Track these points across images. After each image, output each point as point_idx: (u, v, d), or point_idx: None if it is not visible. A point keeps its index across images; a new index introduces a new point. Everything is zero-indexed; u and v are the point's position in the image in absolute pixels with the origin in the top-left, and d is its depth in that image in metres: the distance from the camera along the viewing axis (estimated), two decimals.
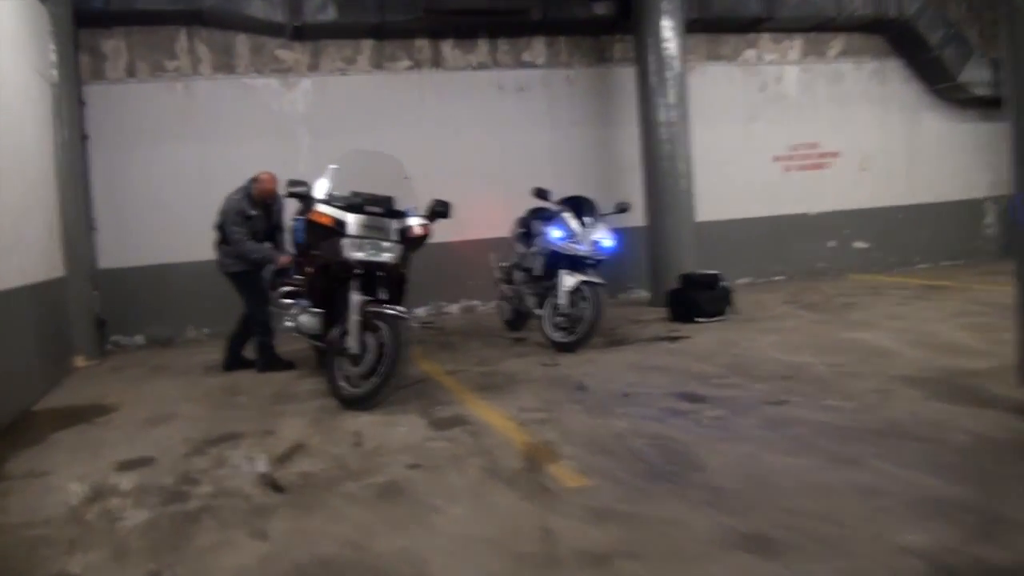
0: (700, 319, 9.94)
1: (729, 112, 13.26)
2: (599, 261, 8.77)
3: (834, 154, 14.01)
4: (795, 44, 13.79)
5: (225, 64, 11.49)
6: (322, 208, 6.69)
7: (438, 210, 7.10)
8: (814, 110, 13.92)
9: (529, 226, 9.71)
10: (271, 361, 8.43)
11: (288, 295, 7.86)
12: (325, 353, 7.02)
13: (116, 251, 10.99)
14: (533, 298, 9.17)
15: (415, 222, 6.86)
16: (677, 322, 10.06)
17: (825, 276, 13.75)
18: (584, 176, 11.93)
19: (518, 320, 9.99)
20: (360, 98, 11.81)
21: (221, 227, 8.31)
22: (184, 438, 5.97)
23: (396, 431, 5.81)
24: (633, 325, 9.96)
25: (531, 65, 12.58)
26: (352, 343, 6.46)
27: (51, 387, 8.32)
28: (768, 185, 13.62)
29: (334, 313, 6.94)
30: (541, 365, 7.92)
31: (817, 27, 13.68)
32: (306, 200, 6.80)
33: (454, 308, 12.27)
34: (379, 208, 6.75)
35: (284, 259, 8.21)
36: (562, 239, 8.64)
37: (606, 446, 5.13)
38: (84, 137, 10.71)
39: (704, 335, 9.09)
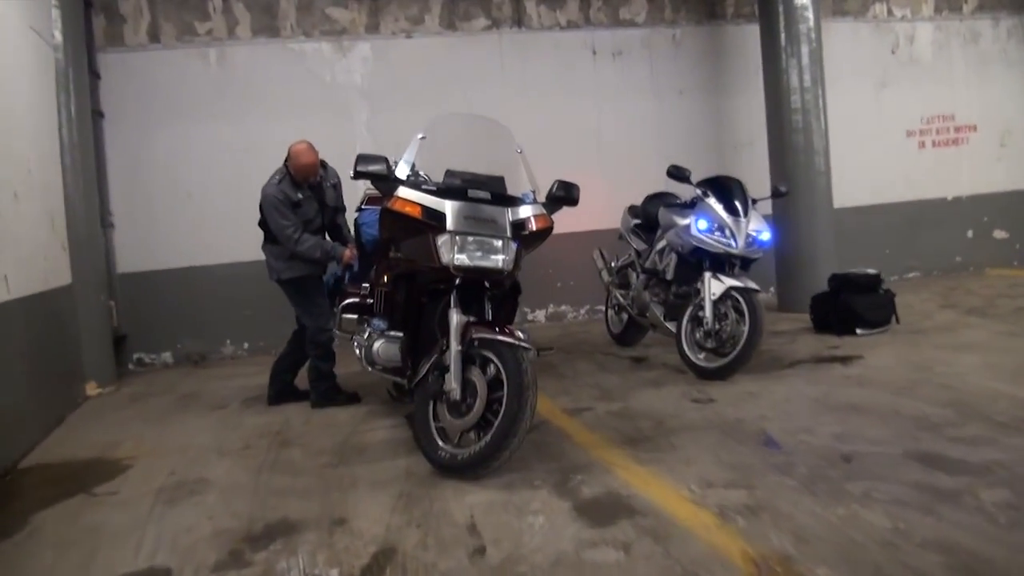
0: (861, 331, 7.94)
1: (857, 78, 11.31)
2: (752, 260, 6.81)
3: (972, 127, 12.08)
4: None
5: (267, 26, 9.74)
6: (407, 194, 4.75)
7: (560, 195, 5.15)
8: (949, 75, 11.99)
9: (647, 216, 7.76)
10: (330, 393, 6.56)
11: (351, 309, 5.97)
12: (409, 393, 5.12)
13: (138, 252, 9.28)
14: (659, 307, 7.24)
15: (534, 211, 4.93)
16: (828, 334, 8.16)
17: (964, 272, 11.77)
18: (694, 153, 9.98)
19: (631, 333, 8.12)
20: (428, 65, 10.01)
21: (264, 223, 6.45)
22: (215, 531, 4.07)
23: (530, 524, 3.85)
24: (775, 338, 7.98)
25: (630, 24, 10.70)
26: (452, 384, 4.55)
27: (51, 426, 6.52)
28: (901, 164, 11.70)
29: (421, 339, 5.09)
30: (690, 401, 5.97)
31: None
32: (383, 182, 4.85)
33: (540, 315, 10.45)
34: (486, 193, 4.80)
35: (349, 253, 6.40)
36: (707, 231, 6.66)
37: (881, 569, 3.16)
38: (98, 114, 9.10)
39: (879, 353, 7.14)
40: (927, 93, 11.79)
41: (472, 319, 4.69)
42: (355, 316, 5.98)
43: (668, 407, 5.81)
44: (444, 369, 4.61)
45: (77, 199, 7.87)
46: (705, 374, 6.54)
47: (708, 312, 6.51)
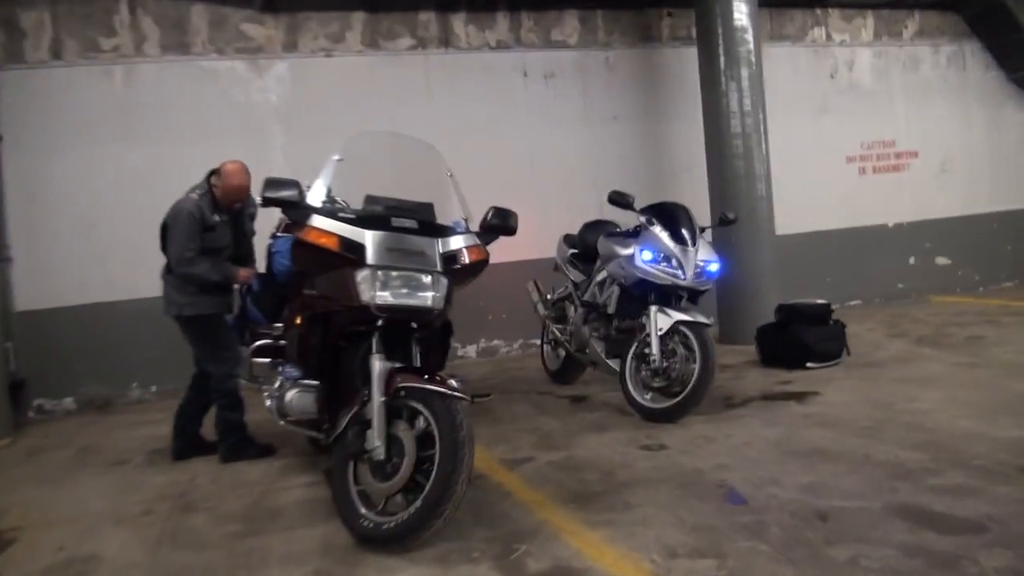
0: (812, 364, 7.51)
1: (796, 103, 10.99)
2: (701, 293, 6.34)
3: (913, 153, 11.89)
4: (867, 22, 11.60)
5: (177, 43, 9.04)
6: (322, 223, 4.18)
7: (495, 223, 4.61)
8: (889, 101, 11.79)
9: (584, 245, 7.27)
10: (241, 446, 5.91)
11: (263, 352, 5.35)
12: (327, 449, 4.52)
13: (37, 288, 8.49)
14: (600, 343, 6.72)
15: (467, 242, 4.40)
16: (777, 367, 7.73)
17: (906, 299, 11.52)
18: (632, 180, 9.38)
19: (569, 370, 7.61)
20: (349, 86, 9.39)
21: (166, 246, 5.80)
22: None
23: None
24: (722, 373, 7.46)
25: (562, 45, 10.24)
26: (375, 442, 3.96)
27: None
28: (842, 191, 11.40)
29: (340, 387, 4.50)
30: (639, 448, 5.44)
31: (890, 2, 11.56)
32: (295, 210, 4.27)
33: (470, 351, 9.85)
34: (412, 222, 4.24)
35: (245, 273, 5.78)
36: (652, 262, 6.17)
37: None
38: None
39: (835, 389, 6.72)
40: (867, 119, 11.55)
41: (397, 365, 4.12)
42: (268, 360, 5.36)
43: (616, 455, 5.27)
44: (365, 424, 4.02)
45: None
46: (653, 416, 6.03)
47: (655, 349, 6.01)
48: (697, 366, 5.86)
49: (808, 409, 6.13)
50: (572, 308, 7.25)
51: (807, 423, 5.73)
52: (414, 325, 4.27)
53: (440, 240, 4.27)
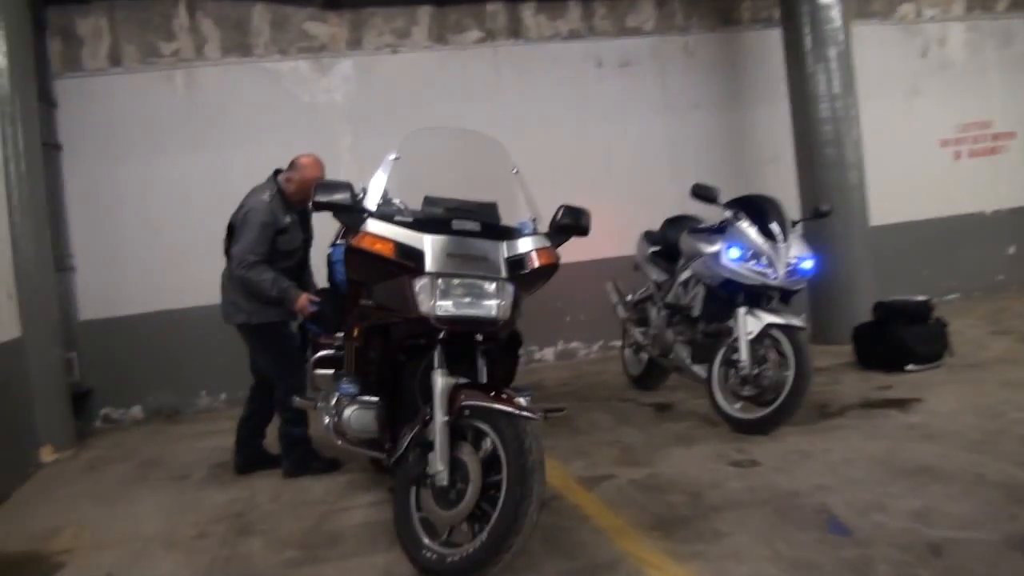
0: (912, 367, 7.00)
1: (886, 85, 10.31)
2: (794, 292, 5.87)
3: (1010, 135, 11.09)
4: None
5: (239, 44, 8.83)
6: (377, 227, 3.85)
7: (566, 223, 4.22)
8: (983, 79, 11.01)
9: (666, 242, 6.85)
10: (305, 461, 5.62)
11: (325, 363, 5.03)
12: (389, 471, 4.19)
13: (102, 296, 8.38)
14: (685, 348, 6.30)
15: (535, 244, 4.02)
16: (875, 370, 7.21)
17: (1007, 292, 10.78)
18: (712, 173, 8.63)
19: (652, 376, 7.20)
20: (416, 83, 9.08)
21: (230, 248, 5.55)
22: None
23: None
24: (816, 377, 6.84)
25: (637, 32, 9.79)
26: (438, 466, 3.60)
27: None
28: (936, 177, 10.69)
29: (401, 405, 4.16)
30: (729, 464, 5.01)
31: None
32: (348, 214, 3.94)
33: (548, 354, 9.48)
34: (475, 224, 3.88)
35: (304, 299, 5.39)
36: (740, 260, 5.72)
37: None
38: (54, 146, 8.22)
39: (939, 395, 6.19)
40: (961, 99, 10.84)
41: (462, 381, 3.76)
42: (331, 371, 5.03)
43: (704, 473, 4.85)
44: (427, 446, 3.66)
45: (25, 241, 6.95)
46: (743, 427, 5.59)
47: (744, 354, 5.56)
48: (791, 373, 5.40)
49: (912, 419, 5.63)
50: (654, 310, 6.81)
51: (911, 435, 5.24)
52: (479, 337, 3.90)
53: (505, 243, 3.90)
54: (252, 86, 8.74)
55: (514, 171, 4.27)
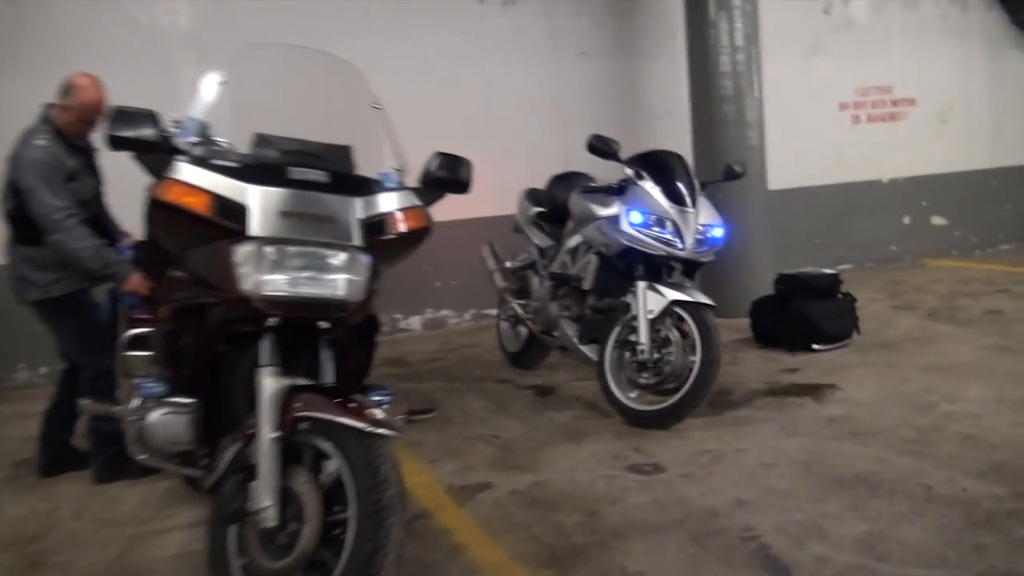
0: (818, 347, 6.37)
1: (785, 41, 9.60)
2: (700, 265, 5.10)
3: (910, 101, 10.62)
4: None
5: None
6: (188, 174, 2.89)
7: (441, 175, 3.30)
8: (886, 42, 10.48)
9: (553, 203, 6.01)
10: (117, 462, 4.52)
11: (140, 344, 3.99)
12: (204, 490, 3.21)
13: None
14: (572, 325, 5.47)
15: (400, 202, 3.11)
16: (776, 348, 6.54)
17: (900, 263, 10.34)
18: (599, 126, 7.83)
19: (531, 353, 6.35)
20: (273, 9, 7.92)
21: (16, 207, 4.44)
22: None
23: None
24: None
25: None
26: (263, 500, 2.67)
27: None
28: (833, 141, 10.16)
29: (223, 408, 3.15)
30: (627, 469, 4.21)
31: None
32: (152, 155, 2.95)
33: (415, 322, 8.55)
34: (321, 173, 2.96)
35: (135, 281, 4.28)
36: (642, 225, 4.89)
37: None
38: None
39: (854, 381, 5.54)
40: (862, 62, 10.28)
41: (299, 383, 2.84)
42: (149, 354, 3.98)
43: (599, 481, 4.04)
44: (250, 471, 2.73)
45: None
46: (639, 420, 4.81)
47: (644, 336, 4.76)
48: (697, 359, 4.63)
49: (830, 410, 4.94)
50: (536, 279, 5.96)
51: (835, 432, 4.54)
52: (323, 325, 2.97)
53: (361, 200, 2.99)
54: (84, 8, 7.50)
55: (376, 107, 3.34)
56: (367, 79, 3.38)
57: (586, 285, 5.26)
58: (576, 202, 5.45)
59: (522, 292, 6.25)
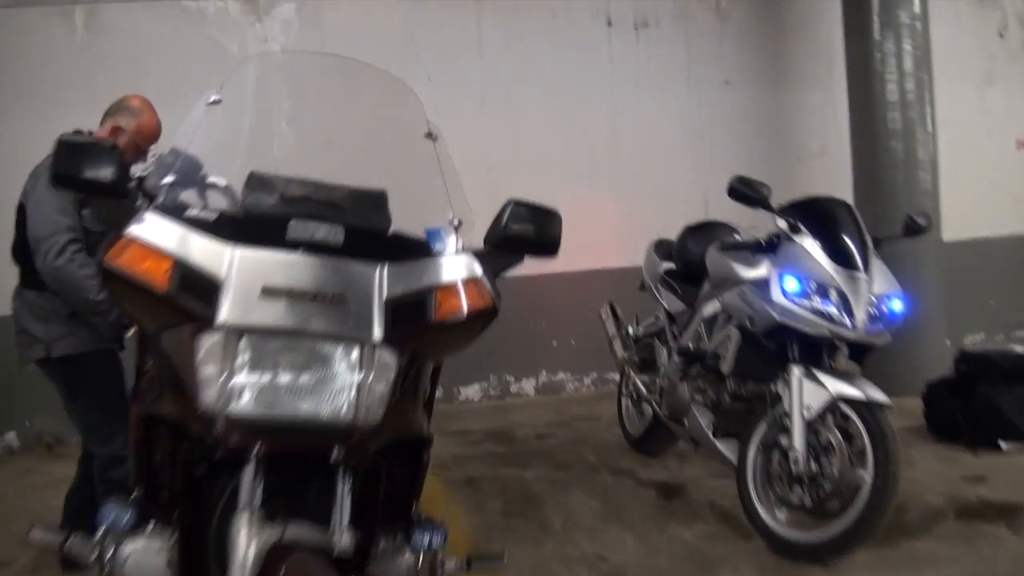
0: (1007, 445, 5.22)
1: (956, 71, 8.33)
2: (870, 349, 4.00)
3: None
4: None
5: None
6: (150, 230, 2.05)
7: (516, 231, 2.31)
8: None
9: (686, 258, 4.97)
10: None
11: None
12: None
13: None
14: (706, 413, 4.40)
15: (449, 272, 2.16)
16: (955, 444, 5.35)
17: None
18: (743, 167, 6.92)
19: (656, 438, 5.28)
20: (375, 34, 7.24)
21: (22, 247, 3.66)
22: None
23: None
24: None
25: None
26: None
27: None
28: (1010, 184, 8.78)
29: (201, 539, 2.20)
30: None
31: None
32: (111, 202, 2.12)
33: (527, 386, 7.66)
34: (332, 228, 2.08)
35: None
36: (799, 296, 3.81)
37: None
38: None
39: None
40: None
41: (290, 531, 1.95)
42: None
43: None
44: None
45: None
46: (790, 551, 3.70)
47: (798, 440, 3.65)
48: (868, 475, 3.50)
49: None
50: (664, 352, 4.94)
51: None
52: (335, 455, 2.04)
53: (392, 268, 2.06)
54: (169, 30, 7.03)
55: (430, 136, 2.41)
56: (418, 98, 2.46)
57: (724, 367, 4.18)
58: (715, 260, 4.39)
59: (647, 364, 5.20)
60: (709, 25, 7.99)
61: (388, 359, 2.00)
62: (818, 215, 4.00)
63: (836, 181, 6.95)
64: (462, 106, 6.87)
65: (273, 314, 1.94)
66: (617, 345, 5.46)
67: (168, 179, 2.21)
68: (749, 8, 8.09)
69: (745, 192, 3.95)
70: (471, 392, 7.43)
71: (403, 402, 2.06)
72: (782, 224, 3.97)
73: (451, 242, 2.23)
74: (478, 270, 2.20)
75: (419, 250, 2.17)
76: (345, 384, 1.96)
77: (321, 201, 2.16)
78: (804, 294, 3.77)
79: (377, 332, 1.98)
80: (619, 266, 6.73)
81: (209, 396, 1.90)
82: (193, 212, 2.11)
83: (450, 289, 2.12)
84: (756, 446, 3.89)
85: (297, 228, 2.04)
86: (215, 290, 1.94)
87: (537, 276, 7.19)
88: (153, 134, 3.79)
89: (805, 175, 7.65)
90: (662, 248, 5.35)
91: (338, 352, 1.97)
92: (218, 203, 2.48)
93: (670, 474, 5.03)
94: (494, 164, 6.84)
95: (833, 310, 3.75)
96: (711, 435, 4.30)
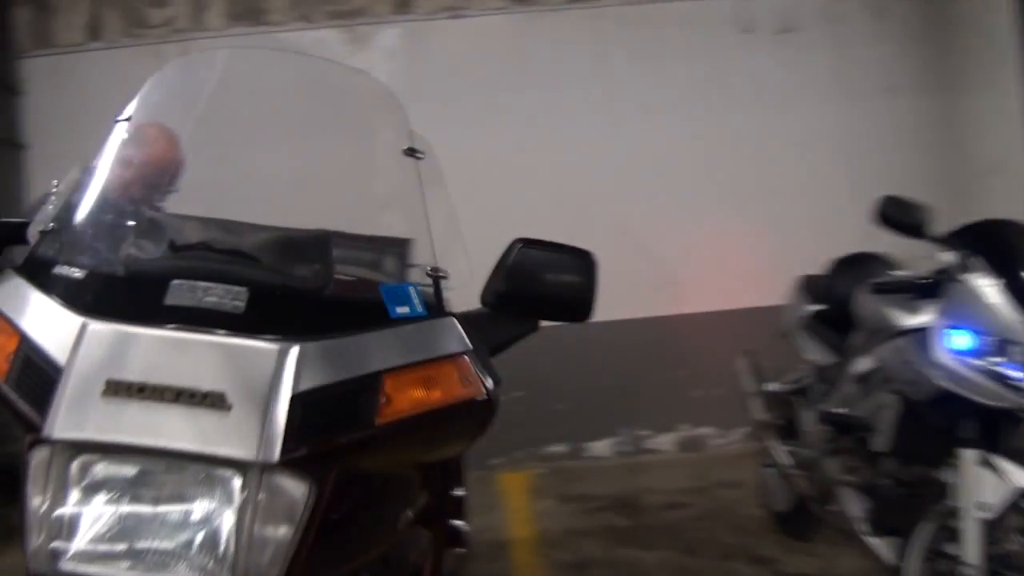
0: None
1: None
2: None
3: None
4: None
5: (248, 10, 6.91)
6: (5, 293, 1.40)
7: (530, 289, 1.62)
8: None
9: (836, 298, 4.07)
10: None
11: None
12: None
13: None
14: (858, 497, 3.51)
15: (407, 349, 1.52)
16: None
17: None
18: (907, 185, 6.02)
19: (804, 517, 4.33)
20: (486, 56, 6.89)
21: None
22: None
23: None
24: None
25: None
26: None
27: None
28: None
29: None
30: None
31: None
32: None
33: (665, 442, 6.88)
34: (232, 290, 1.47)
35: None
36: (972, 354, 2.90)
37: None
38: (17, 145, 6.68)
39: None
40: None
41: None
42: None
43: None
44: None
45: None
46: None
47: (972, 546, 2.74)
48: None
49: None
50: (808, 414, 4.06)
51: None
52: None
53: (296, 348, 1.38)
54: (266, 64, 6.66)
55: (410, 152, 1.74)
56: (398, 101, 1.80)
57: (879, 443, 3.28)
58: (865, 304, 3.50)
59: (788, 429, 4.34)
60: (864, 27, 7.19)
61: (290, 490, 1.32)
62: (996, 245, 3.08)
63: (1017, 203, 6.01)
64: (577, 136, 6.51)
65: (115, 424, 1.31)
66: (754, 405, 4.62)
67: (49, 225, 1.62)
68: (908, 11, 7.27)
69: (895, 216, 3.08)
70: (600, 447, 6.72)
71: (328, 551, 1.37)
72: (949, 257, 3.06)
73: (421, 302, 1.53)
74: (459, 343, 1.49)
75: (368, 317, 1.47)
76: (216, 531, 1.29)
77: (225, 251, 1.51)
78: (979, 352, 2.84)
79: (271, 449, 1.30)
80: (764, 304, 5.79)
81: (31, 543, 1.32)
82: (64, 269, 1.51)
83: (409, 374, 1.42)
84: (920, 549, 3.00)
85: (179, 291, 1.40)
86: (50, 385, 1.32)
87: (674, 316, 6.67)
88: (164, 167, 3.31)
89: (979, 194, 6.71)
90: (809, 287, 4.49)
91: (208, 481, 1.30)
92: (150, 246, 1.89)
93: (822, 565, 4.14)
94: (621, 192, 6.46)
95: (1018, 374, 2.83)
96: (864, 526, 3.41)
